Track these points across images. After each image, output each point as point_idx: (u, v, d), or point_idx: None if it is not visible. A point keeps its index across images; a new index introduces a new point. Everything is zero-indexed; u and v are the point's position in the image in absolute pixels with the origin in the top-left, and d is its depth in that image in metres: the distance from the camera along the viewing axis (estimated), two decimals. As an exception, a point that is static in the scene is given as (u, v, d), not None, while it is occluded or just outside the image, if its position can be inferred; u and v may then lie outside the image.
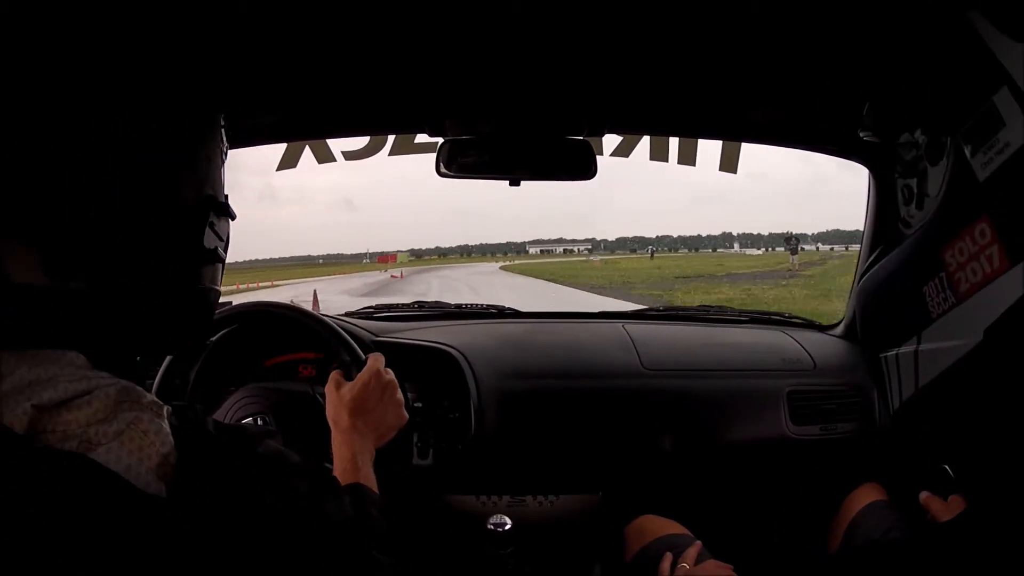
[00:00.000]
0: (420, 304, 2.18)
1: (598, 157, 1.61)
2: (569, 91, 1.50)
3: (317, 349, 1.55)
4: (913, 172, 1.27)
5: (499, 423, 1.62)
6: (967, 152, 1.07)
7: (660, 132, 1.91)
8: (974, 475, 1.29)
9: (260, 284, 28.52)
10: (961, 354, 1.12)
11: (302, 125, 1.73)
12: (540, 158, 1.60)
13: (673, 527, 1.45)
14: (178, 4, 0.80)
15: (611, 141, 1.94)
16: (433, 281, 29.80)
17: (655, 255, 71.14)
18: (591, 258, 73.46)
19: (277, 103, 1.53)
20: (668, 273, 30.32)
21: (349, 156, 1.96)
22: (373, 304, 2.15)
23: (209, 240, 0.65)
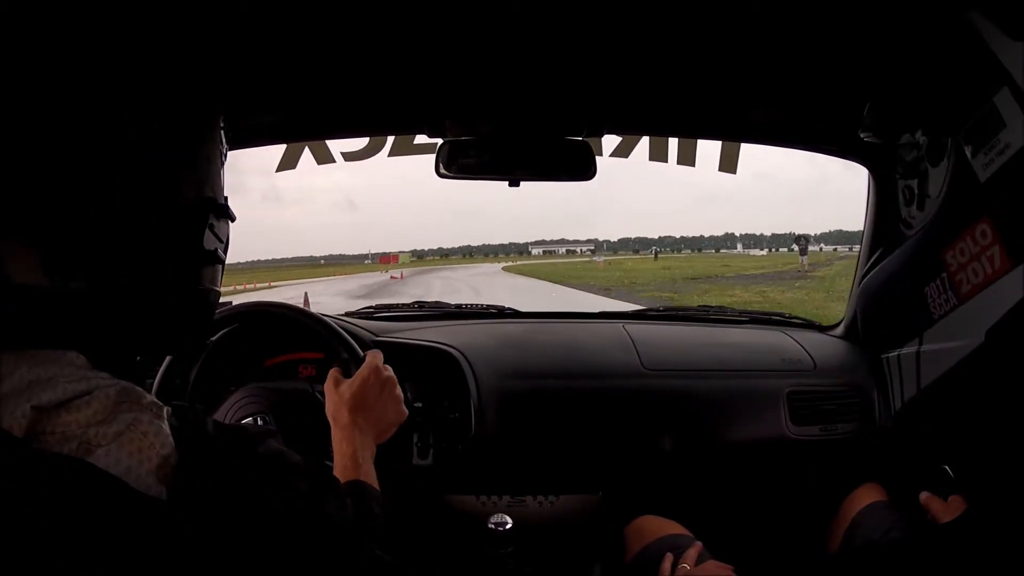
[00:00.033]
0: (420, 304, 2.18)
1: (598, 157, 1.61)
2: (569, 92, 1.50)
3: (317, 349, 1.55)
4: (914, 173, 1.27)
5: (499, 423, 1.62)
6: (968, 153, 1.07)
7: (660, 132, 1.91)
8: (975, 476, 1.29)
9: (255, 285, 28.30)
10: (963, 355, 1.12)
11: (302, 125, 1.73)
12: (540, 158, 1.60)
13: (673, 527, 1.45)
14: (178, 4, 0.80)
15: (611, 141, 1.94)
16: (434, 282, 29.52)
17: (659, 256, 71.05)
18: (594, 259, 73.32)
19: (277, 103, 1.53)
20: (674, 274, 29.94)
21: (349, 157, 1.95)
22: (373, 304, 2.16)
23: (209, 241, 0.65)
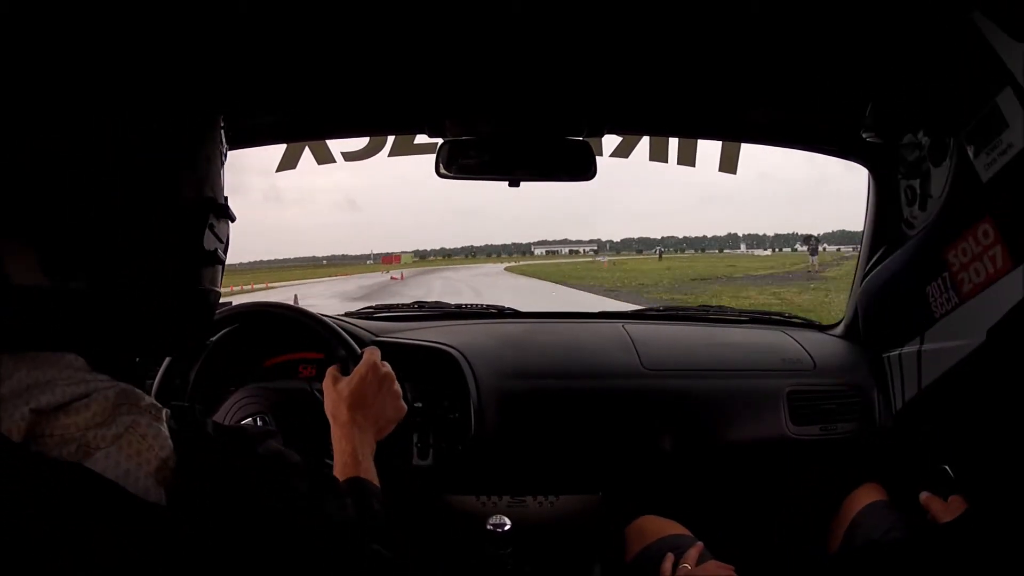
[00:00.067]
0: (420, 304, 2.18)
1: (598, 157, 1.61)
2: (569, 92, 1.50)
3: (317, 349, 1.55)
4: (916, 173, 1.27)
5: (499, 423, 1.62)
6: (970, 153, 1.07)
7: (660, 132, 1.91)
8: (975, 475, 1.28)
9: (252, 286, 28.09)
10: (964, 354, 1.12)
11: (302, 125, 1.73)
12: (540, 159, 1.60)
13: (674, 527, 1.45)
14: (178, 4, 0.80)
15: (611, 141, 1.93)
16: (435, 283, 29.25)
17: (663, 256, 70.87)
18: (598, 259, 73.13)
19: (277, 103, 1.53)
20: (681, 274, 29.71)
21: (349, 157, 1.95)
22: (373, 304, 2.16)
23: (209, 242, 0.65)
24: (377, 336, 1.70)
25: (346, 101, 1.56)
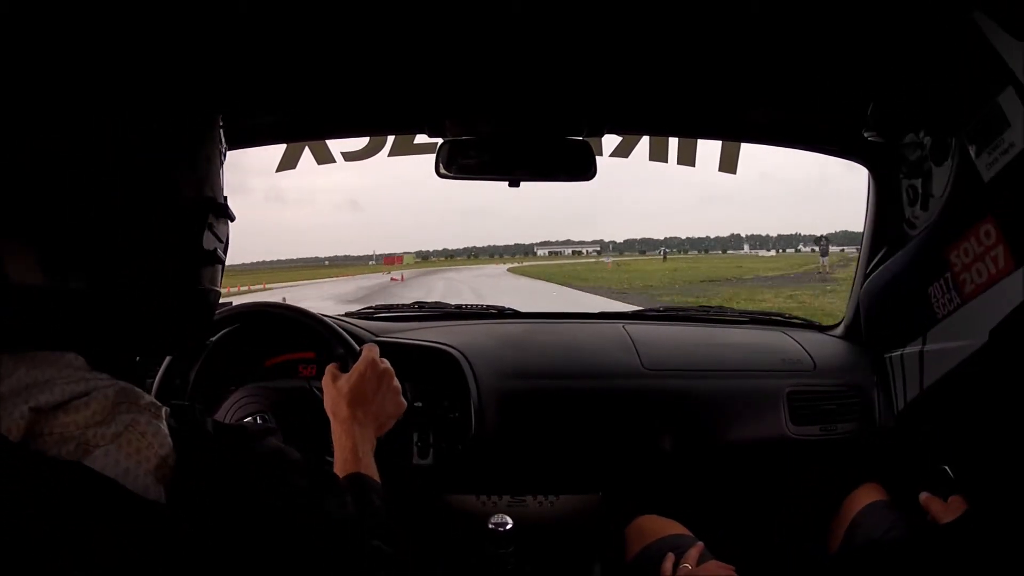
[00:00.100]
0: (420, 305, 2.18)
1: (598, 157, 1.61)
2: (569, 91, 1.50)
3: (316, 348, 1.55)
4: (918, 173, 1.27)
5: (499, 423, 1.62)
6: (972, 153, 1.06)
7: (660, 132, 1.91)
8: (976, 476, 1.28)
9: (249, 287, 27.61)
10: (966, 355, 1.12)
11: (302, 125, 1.73)
12: (540, 158, 1.60)
13: (674, 527, 1.45)
14: (178, 4, 0.81)
15: (611, 141, 1.93)
16: (436, 284, 28.87)
17: (667, 257, 70.68)
18: (602, 260, 72.93)
19: (277, 103, 1.53)
20: (688, 276, 29.33)
21: (349, 157, 1.95)
22: (373, 305, 2.16)
23: (208, 241, 0.65)
24: (377, 336, 1.71)
25: (346, 101, 1.56)
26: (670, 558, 1.30)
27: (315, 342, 1.50)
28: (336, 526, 0.65)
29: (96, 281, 0.56)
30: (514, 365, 1.72)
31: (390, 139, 1.97)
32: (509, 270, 51.07)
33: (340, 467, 0.97)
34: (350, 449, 0.99)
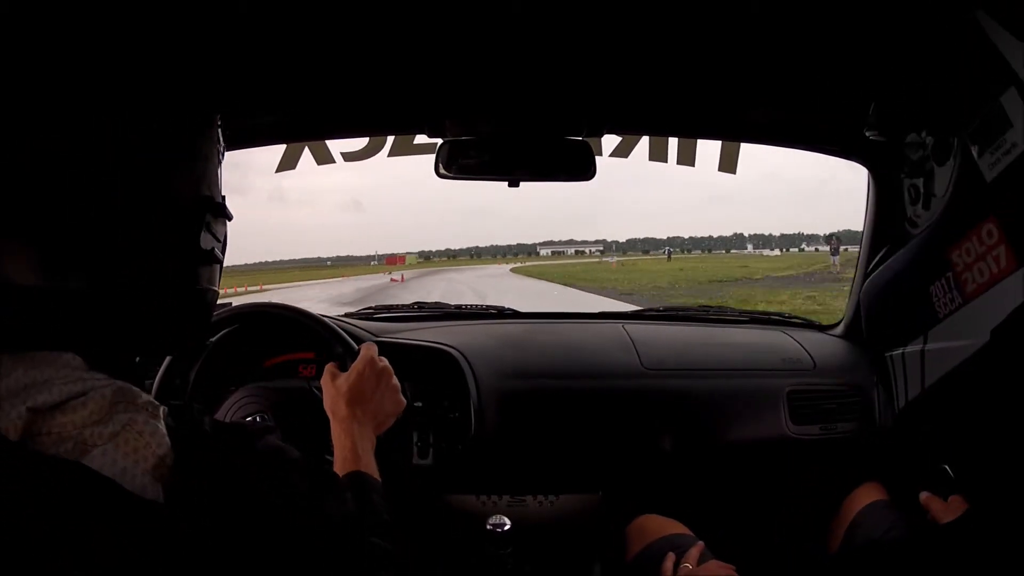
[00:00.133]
0: (420, 305, 2.18)
1: (598, 157, 1.61)
2: (569, 91, 1.50)
3: (316, 348, 1.55)
4: (920, 172, 1.27)
5: (499, 423, 1.62)
6: (974, 152, 1.06)
7: (660, 132, 1.91)
8: (977, 475, 1.28)
9: (246, 288, 26.98)
10: (968, 354, 1.12)
11: (302, 125, 1.74)
12: (539, 159, 1.60)
13: (675, 527, 1.45)
14: (178, 4, 0.81)
15: (610, 141, 1.93)
16: (437, 285, 28.31)
17: (672, 256, 70.43)
18: (605, 259, 72.55)
19: (277, 103, 1.53)
20: (695, 275, 28.89)
21: (348, 157, 1.95)
22: (373, 305, 2.16)
23: (205, 241, 0.65)
24: (377, 336, 1.71)
25: (346, 101, 1.56)
26: (671, 557, 1.30)
27: (315, 342, 1.50)
28: (336, 524, 0.64)
29: (96, 281, 0.55)
30: (514, 365, 1.72)
31: (390, 139, 1.97)
32: (512, 270, 50.61)
33: (340, 466, 0.97)
34: (349, 448, 0.99)
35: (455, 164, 1.58)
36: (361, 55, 1.27)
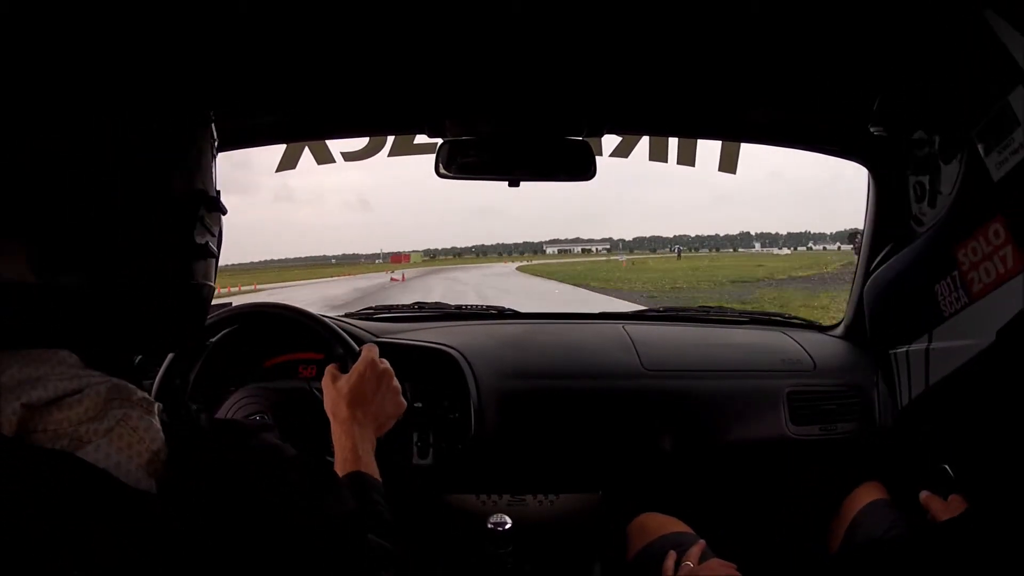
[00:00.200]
0: (420, 305, 2.18)
1: (598, 157, 1.61)
2: (568, 92, 1.50)
3: (316, 349, 1.55)
4: (925, 169, 1.26)
5: (499, 423, 1.62)
6: (981, 151, 1.06)
7: (660, 132, 1.91)
8: (977, 475, 1.28)
9: (239, 288, 27.05)
10: (972, 354, 1.12)
11: (302, 125, 1.74)
12: (540, 158, 1.60)
13: (676, 525, 1.45)
14: (178, 4, 0.81)
15: (610, 141, 1.94)
16: (437, 286, 27.47)
17: (682, 255, 69.65)
18: (614, 257, 71.82)
19: (277, 103, 1.53)
20: (710, 275, 28.09)
21: (348, 157, 1.96)
22: (373, 305, 2.16)
23: (199, 235, 0.65)
24: (377, 337, 1.71)
25: (346, 101, 1.56)
26: (672, 556, 1.30)
27: (315, 343, 1.50)
28: (335, 522, 0.64)
29: (94, 280, 0.56)
30: (514, 365, 1.72)
31: (390, 139, 1.97)
32: (518, 269, 50.05)
33: (340, 467, 0.98)
34: (350, 449, 1.00)
35: (455, 164, 1.58)
36: (361, 55, 1.27)
